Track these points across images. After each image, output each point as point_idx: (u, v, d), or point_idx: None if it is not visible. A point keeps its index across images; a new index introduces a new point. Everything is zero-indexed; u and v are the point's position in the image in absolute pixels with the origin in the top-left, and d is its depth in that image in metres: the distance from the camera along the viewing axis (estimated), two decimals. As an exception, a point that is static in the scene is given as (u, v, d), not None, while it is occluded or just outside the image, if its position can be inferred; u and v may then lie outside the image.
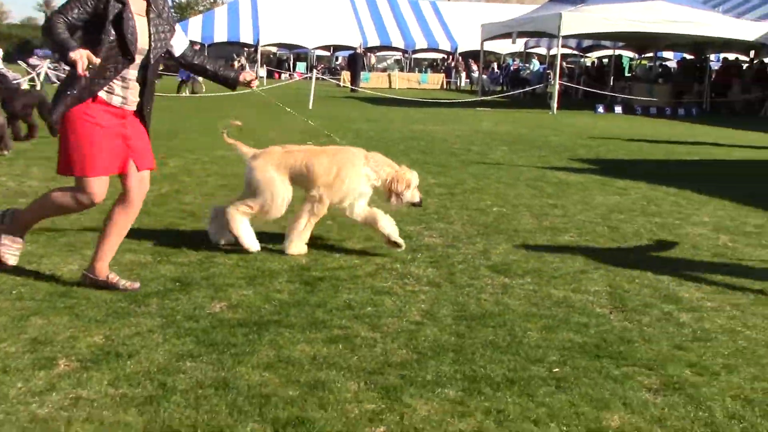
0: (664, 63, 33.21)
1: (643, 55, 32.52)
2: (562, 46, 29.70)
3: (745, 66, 26.49)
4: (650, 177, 8.66)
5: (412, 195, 4.98)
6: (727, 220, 6.52)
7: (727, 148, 12.67)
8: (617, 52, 31.79)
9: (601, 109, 21.69)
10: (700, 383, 3.10)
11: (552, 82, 22.42)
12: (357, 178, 4.86)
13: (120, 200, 4.01)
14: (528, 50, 36.16)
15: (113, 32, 3.77)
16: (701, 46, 25.46)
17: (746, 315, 3.99)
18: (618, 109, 22.15)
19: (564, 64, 32.66)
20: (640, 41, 27.73)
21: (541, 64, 35.80)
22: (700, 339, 3.62)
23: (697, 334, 3.69)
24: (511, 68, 36.57)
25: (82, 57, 3.53)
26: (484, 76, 32.17)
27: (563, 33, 20.81)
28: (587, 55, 36.33)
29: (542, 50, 35.40)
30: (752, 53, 26.37)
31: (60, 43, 3.66)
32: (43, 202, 4.04)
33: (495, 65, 38.81)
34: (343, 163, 4.85)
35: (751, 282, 4.60)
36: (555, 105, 20.67)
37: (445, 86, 36.47)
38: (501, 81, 35.67)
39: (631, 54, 33.59)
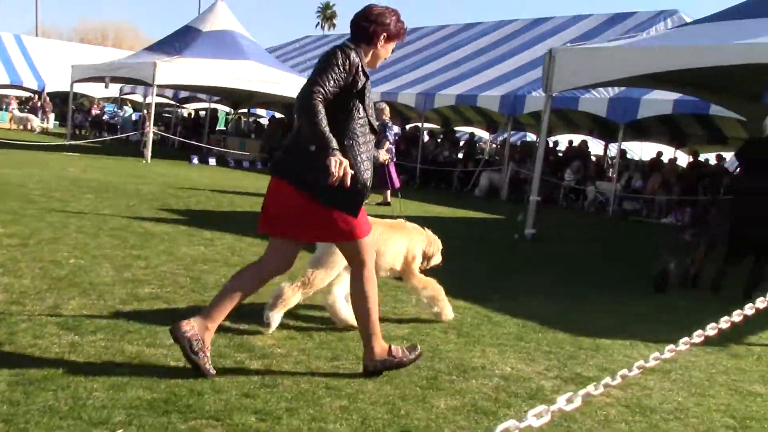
0: (257, 119, 35.04)
1: (238, 110, 33.89)
2: (160, 95, 29.57)
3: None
4: (236, 228, 8.95)
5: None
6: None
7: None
8: (213, 105, 32.68)
9: (195, 161, 21.97)
10: (264, 429, 3.23)
11: (146, 131, 22.14)
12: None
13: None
14: (123, 96, 35.33)
15: (362, 108, 3.51)
16: (291, 107, 27.49)
17: (311, 359, 4.29)
18: (212, 161, 22.67)
19: (161, 113, 32.57)
20: (234, 96, 28.89)
21: (136, 111, 35.19)
22: (267, 385, 3.77)
23: (265, 380, 3.85)
24: (97, 112, 35.30)
25: (339, 168, 3.31)
26: (74, 119, 30.49)
27: (158, 82, 20.77)
28: (184, 105, 36.70)
29: (138, 97, 34.83)
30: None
31: (322, 135, 3.39)
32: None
33: (91, 108, 37.06)
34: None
35: (319, 324, 4.97)
36: (149, 154, 20.40)
37: (29, 127, 33.68)
38: (88, 125, 34.09)
39: (227, 108, 34.77)
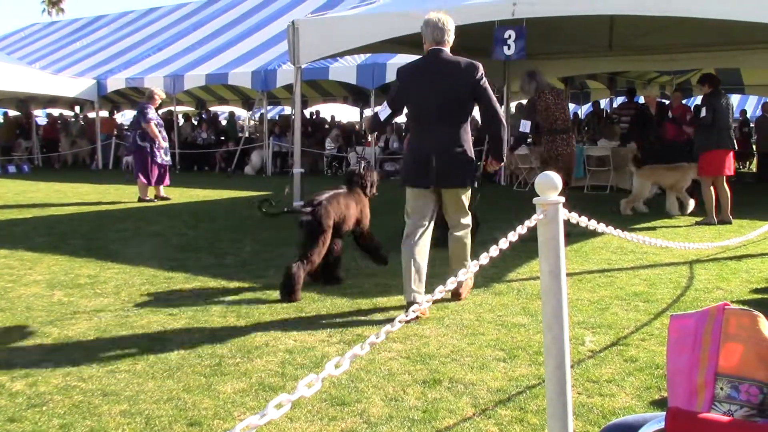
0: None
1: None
2: None
3: (70, 121, 27.21)
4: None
5: None
6: (62, 275, 6.50)
7: (60, 203, 12.73)
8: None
9: None
10: (36, 453, 2.96)
11: None
12: None
13: None
14: None
15: None
16: (25, 102, 25.26)
17: (81, 368, 4.00)
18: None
19: None
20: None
21: None
22: (35, 405, 3.47)
23: (33, 400, 3.53)
24: None
25: None
26: None
27: None
28: None
29: None
30: (77, 108, 27.35)
31: None
32: None
33: None
34: None
35: (88, 334, 4.65)
36: None
37: None
38: None
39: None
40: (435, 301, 2.22)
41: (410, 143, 5.47)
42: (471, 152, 5.22)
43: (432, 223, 5.33)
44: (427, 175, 5.10)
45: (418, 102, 5.20)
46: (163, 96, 13.54)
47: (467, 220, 5.40)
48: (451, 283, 2.30)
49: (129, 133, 14.02)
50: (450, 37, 5.19)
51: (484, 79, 5.05)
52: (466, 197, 5.32)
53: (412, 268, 5.13)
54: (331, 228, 5.74)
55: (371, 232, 6.32)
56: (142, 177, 12.80)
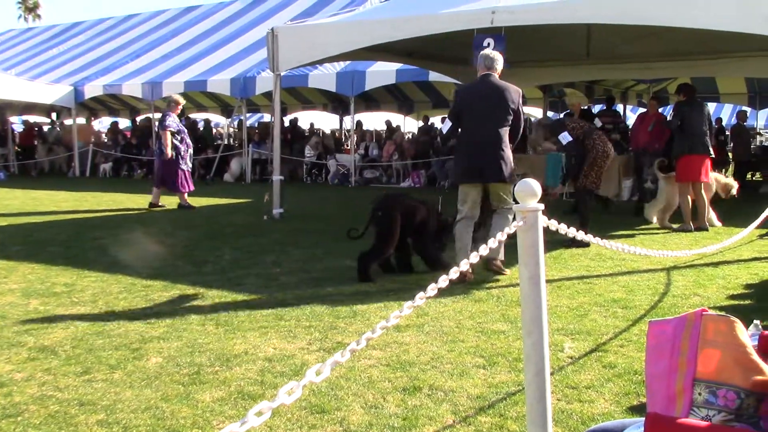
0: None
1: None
2: None
3: (47, 128, 26.97)
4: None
5: None
6: (38, 283, 6.43)
7: (36, 210, 12.59)
8: None
9: None
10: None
11: None
12: None
13: None
14: None
15: None
16: (1, 109, 24.99)
17: (58, 377, 3.95)
18: None
19: None
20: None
21: None
22: (10, 416, 3.42)
23: (7, 410, 3.48)
24: None
25: None
26: None
27: None
28: None
29: None
30: (54, 115, 27.13)
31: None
32: None
33: None
34: None
35: (60, 343, 4.60)
36: None
37: None
38: None
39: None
40: (429, 298, 2.22)
41: (464, 148, 6.73)
42: (510, 155, 6.59)
43: (478, 210, 6.75)
44: (481, 173, 6.54)
45: (473, 116, 6.54)
46: (183, 102, 13.34)
47: (509, 204, 6.55)
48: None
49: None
50: (498, 66, 6.61)
51: (521, 103, 6.57)
52: (507, 189, 6.57)
53: (467, 242, 6.57)
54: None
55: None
56: (172, 185, 12.69)
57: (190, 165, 13.13)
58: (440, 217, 7.05)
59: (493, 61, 6.58)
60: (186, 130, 13.16)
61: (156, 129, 12.58)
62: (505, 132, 6.53)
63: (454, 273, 2.35)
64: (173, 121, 12.65)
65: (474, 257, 2.48)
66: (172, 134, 12.56)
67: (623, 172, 11.72)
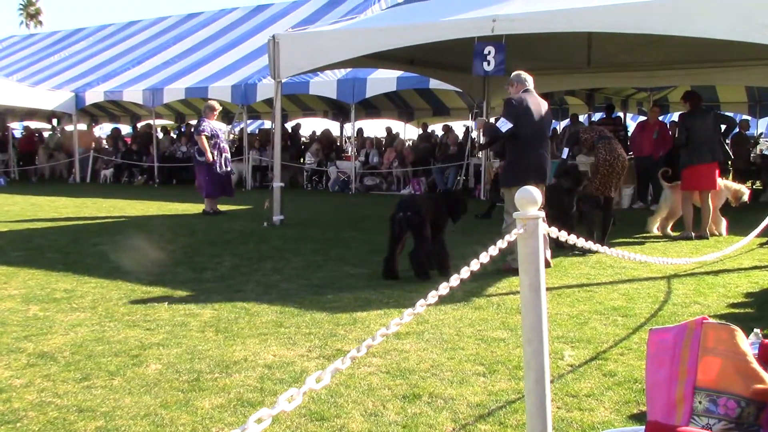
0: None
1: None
2: None
3: (47, 134, 27.02)
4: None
5: None
6: (38, 289, 6.43)
7: (36, 217, 12.60)
8: None
9: None
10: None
11: None
12: None
13: None
14: None
15: None
16: (2, 115, 25.04)
17: (57, 383, 3.94)
18: None
19: None
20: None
21: None
22: (8, 422, 3.41)
23: (6, 417, 3.47)
24: None
25: None
26: None
27: None
28: None
29: None
30: (55, 121, 27.18)
31: None
32: None
33: None
34: None
35: (61, 349, 4.59)
36: None
37: None
38: None
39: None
40: (429, 305, 2.22)
41: (520, 152, 7.28)
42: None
43: None
44: (544, 174, 7.35)
45: (532, 121, 7.23)
46: (219, 108, 13.38)
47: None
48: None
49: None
50: (531, 86, 7.44)
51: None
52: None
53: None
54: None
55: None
56: (204, 190, 12.75)
57: (229, 169, 13.17)
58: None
59: (527, 80, 7.46)
60: (221, 135, 13.19)
61: (192, 133, 12.60)
62: (549, 136, 7.74)
63: (454, 280, 2.35)
64: (208, 125, 12.72)
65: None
66: (207, 139, 12.61)
67: (623, 180, 11.72)
